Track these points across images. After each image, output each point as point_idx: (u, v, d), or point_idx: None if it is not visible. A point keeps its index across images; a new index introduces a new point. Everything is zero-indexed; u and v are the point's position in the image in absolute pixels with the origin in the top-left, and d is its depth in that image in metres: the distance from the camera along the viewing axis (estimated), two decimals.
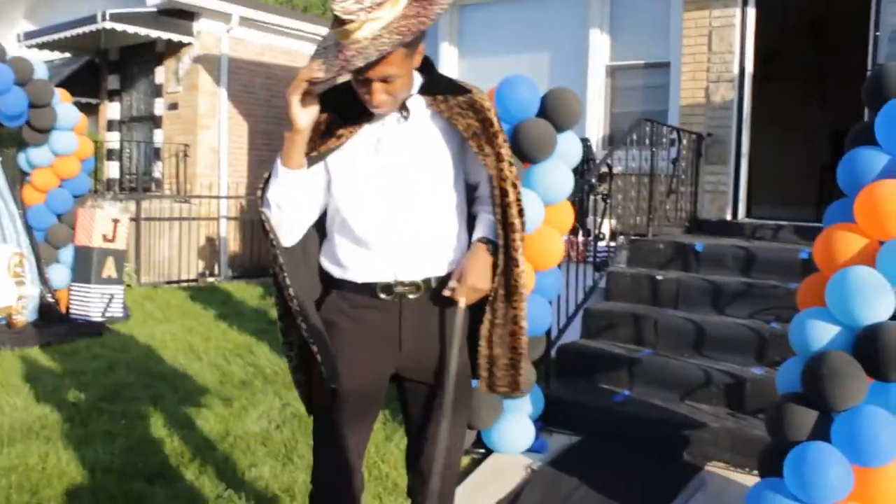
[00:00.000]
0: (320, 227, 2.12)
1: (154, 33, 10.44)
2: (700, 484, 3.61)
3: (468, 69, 8.33)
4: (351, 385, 2.03)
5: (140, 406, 4.64)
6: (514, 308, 2.07)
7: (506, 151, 2.01)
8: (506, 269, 2.02)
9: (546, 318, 3.98)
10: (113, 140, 11.94)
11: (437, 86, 2.03)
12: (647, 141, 5.56)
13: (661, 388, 4.34)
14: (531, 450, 3.97)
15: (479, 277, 1.97)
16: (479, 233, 2.07)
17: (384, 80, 1.86)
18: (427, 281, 2.03)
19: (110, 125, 11.99)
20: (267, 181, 1.99)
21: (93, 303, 7.00)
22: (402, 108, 1.98)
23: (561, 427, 4.22)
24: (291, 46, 11.76)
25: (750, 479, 3.59)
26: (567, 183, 3.95)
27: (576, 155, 4.07)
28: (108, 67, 12.01)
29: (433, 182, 2.03)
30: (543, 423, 4.19)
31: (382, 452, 3.88)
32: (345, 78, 1.87)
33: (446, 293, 1.97)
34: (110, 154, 11.96)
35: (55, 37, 10.90)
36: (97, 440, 4.05)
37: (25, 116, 6.61)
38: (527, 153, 3.82)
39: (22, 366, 5.63)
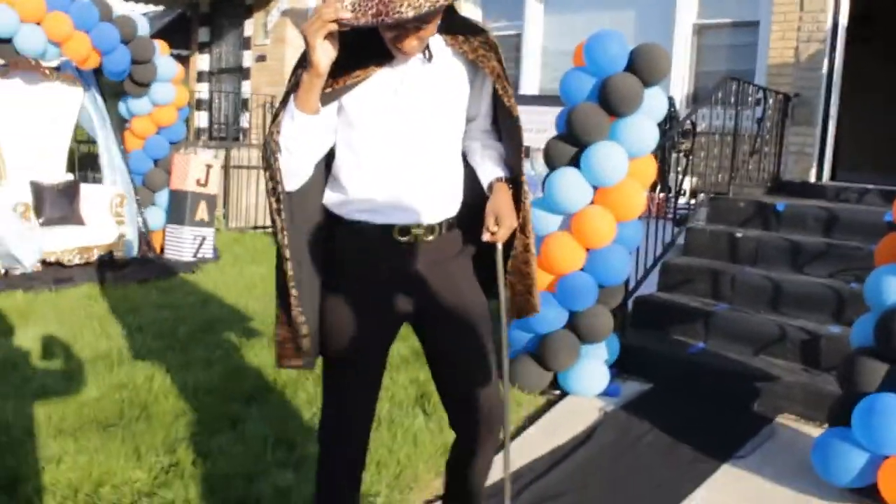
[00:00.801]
0: (323, 166, 2.02)
1: None
2: (770, 433, 3.70)
3: (554, 24, 8.35)
4: (360, 332, 2.00)
5: (234, 337, 4.95)
6: (526, 237, 2.08)
7: (511, 90, 2.02)
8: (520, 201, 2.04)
9: (625, 268, 4.09)
10: (202, 91, 12.35)
11: (454, 24, 1.95)
12: (733, 99, 5.54)
13: (736, 342, 4.41)
14: (605, 394, 4.12)
15: (512, 216, 1.97)
16: (494, 171, 2.05)
17: (416, 29, 1.77)
18: (442, 224, 2.01)
19: (200, 76, 12.39)
20: (273, 123, 1.88)
21: (186, 244, 7.39)
22: (426, 48, 1.90)
23: (635, 375, 4.35)
24: None
25: (820, 432, 3.67)
26: (652, 137, 4.02)
27: (661, 110, 4.13)
28: (198, 20, 12.38)
29: (452, 124, 2.01)
30: (618, 369, 4.33)
31: None
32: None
33: (487, 238, 1.95)
34: (200, 104, 12.38)
35: None
36: (197, 366, 4.36)
37: (128, 72, 6.95)
38: (614, 107, 3.90)
39: (123, 299, 6.02)
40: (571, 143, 4.01)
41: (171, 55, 7.51)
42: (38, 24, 6.08)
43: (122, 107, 7.38)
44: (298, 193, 1.94)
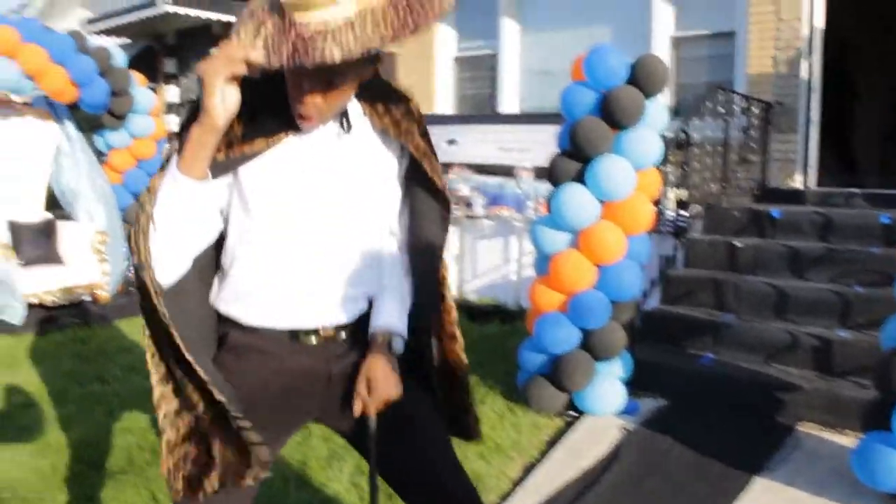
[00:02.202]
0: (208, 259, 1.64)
1: (212, 15, 10.63)
2: (795, 443, 3.67)
3: (531, 44, 8.36)
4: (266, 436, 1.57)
5: None
6: (452, 338, 1.84)
7: (440, 167, 1.70)
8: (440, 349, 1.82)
9: (638, 282, 4.05)
10: (172, 122, 12.17)
11: (373, 89, 1.60)
12: (722, 109, 5.56)
13: (745, 352, 4.39)
14: (623, 412, 4.06)
15: (389, 387, 1.63)
16: (384, 317, 1.70)
17: (328, 84, 1.43)
18: (356, 321, 1.70)
19: (169, 108, 12.22)
20: (147, 192, 1.46)
21: None
22: (343, 117, 1.57)
23: (649, 390, 4.30)
24: None
25: (843, 439, 3.66)
26: (656, 148, 4.00)
27: (662, 121, 4.12)
28: (165, 51, 12.25)
29: (371, 211, 1.67)
30: (633, 386, 4.27)
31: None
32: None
33: (357, 409, 1.64)
34: (169, 136, 12.19)
35: (117, 22, 11.15)
36: None
37: (107, 104, 6.80)
38: (617, 120, 3.88)
39: (112, 339, 5.85)
40: (575, 159, 3.98)
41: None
42: (12, 57, 5.92)
43: (98, 140, 7.22)
44: (172, 289, 1.51)
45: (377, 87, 1.61)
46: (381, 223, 1.72)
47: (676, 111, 7.18)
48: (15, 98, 6.65)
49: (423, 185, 1.69)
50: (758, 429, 3.81)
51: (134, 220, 1.46)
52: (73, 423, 4.01)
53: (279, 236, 1.57)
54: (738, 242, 5.09)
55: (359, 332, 1.70)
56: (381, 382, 1.62)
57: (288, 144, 1.53)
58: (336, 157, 1.58)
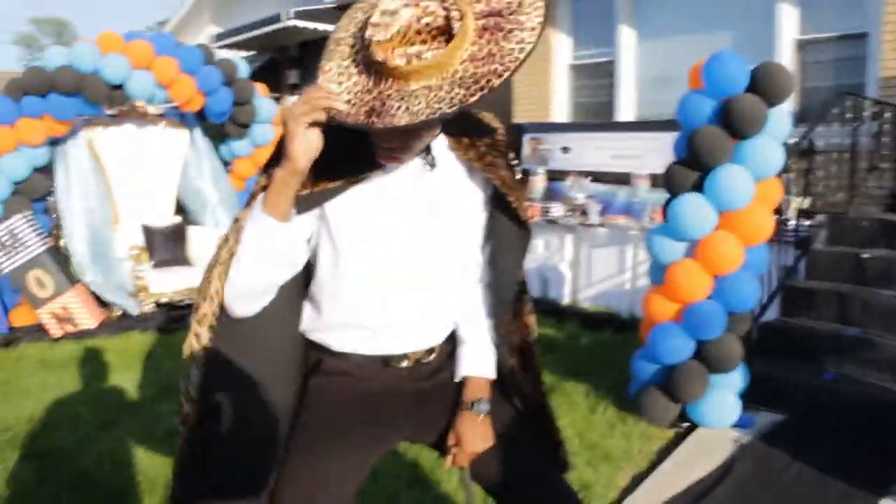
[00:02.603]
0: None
1: (333, 28, 10.96)
2: None
3: (648, 51, 8.26)
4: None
5: None
6: (537, 382, 1.87)
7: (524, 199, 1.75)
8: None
9: (754, 294, 3.94)
10: None
11: (460, 120, 1.58)
12: (850, 115, 5.34)
13: (871, 368, 4.20)
14: (737, 425, 3.96)
15: (477, 442, 1.71)
16: (473, 363, 1.77)
17: (406, 133, 1.44)
18: (443, 343, 1.78)
19: None
20: (232, 230, 1.54)
21: None
22: (427, 152, 1.57)
23: (765, 404, 4.17)
24: None
25: None
26: (777, 158, 3.88)
27: (785, 129, 4.00)
28: (288, 63, 12.72)
29: (457, 244, 1.69)
30: (748, 399, 4.16)
31: (589, 422, 3.99)
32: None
33: (447, 463, 1.74)
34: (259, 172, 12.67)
35: (243, 37, 11.68)
36: None
37: (230, 113, 7.15)
38: (737, 129, 3.79)
39: None
40: (694, 168, 3.91)
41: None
42: (148, 68, 6.33)
43: (223, 149, 7.60)
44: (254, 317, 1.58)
45: (464, 119, 1.62)
46: (467, 255, 1.74)
47: (801, 117, 6.93)
48: (150, 110, 7.10)
49: (506, 214, 1.68)
50: (885, 449, 3.64)
51: (216, 250, 1.53)
52: None
53: (368, 273, 1.61)
54: (865, 253, 4.86)
55: (448, 348, 1.78)
56: (469, 436, 1.71)
57: (372, 180, 1.56)
58: (420, 191, 1.60)
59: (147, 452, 3.70)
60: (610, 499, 3.25)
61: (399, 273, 1.63)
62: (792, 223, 5.42)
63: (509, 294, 1.76)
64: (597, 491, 3.27)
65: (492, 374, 1.78)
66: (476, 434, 1.71)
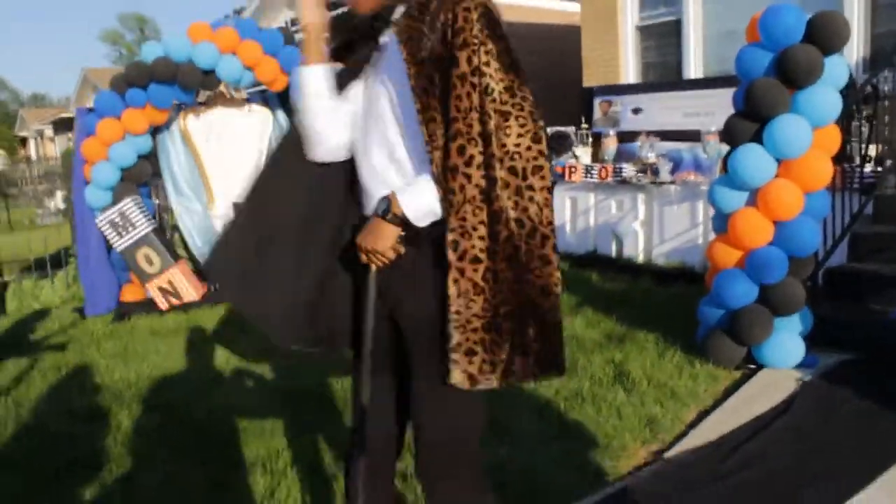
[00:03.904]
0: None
1: None
2: None
3: (714, 6, 8.26)
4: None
5: None
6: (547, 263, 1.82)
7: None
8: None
9: (815, 238, 4.08)
10: None
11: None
12: None
13: None
14: (801, 365, 4.12)
15: (369, 237, 1.85)
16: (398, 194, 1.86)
17: None
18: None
19: None
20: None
21: None
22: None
23: (831, 346, 4.31)
24: (538, 3, 12.12)
25: None
26: (834, 106, 4.00)
27: (842, 78, 4.09)
28: (362, 42, 13.06)
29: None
30: (812, 341, 4.31)
31: (658, 366, 4.23)
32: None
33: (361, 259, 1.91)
34: None
35: None
36: None
37: None
38: (794, 79, 3.92)
39: None
40: (752, 119, 4.06)
41: None
42: (234, 52, 6.76)
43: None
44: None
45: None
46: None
47: (872, 63, 6.87)
48: (235, 94, 7.55)
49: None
50: None
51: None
52: (298, 373, 4.64)
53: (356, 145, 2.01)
54: None
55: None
56: (364, 233, 1.86)
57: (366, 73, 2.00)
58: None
59: (253, 406, 4.12)
60: (676, 432, 3.49)
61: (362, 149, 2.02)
62: (867, 169, 5.46)
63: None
64: (664, 425, 3.52)
65: (407, 210, 1.82)
66: (368, 230, 1.86)
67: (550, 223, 1.82)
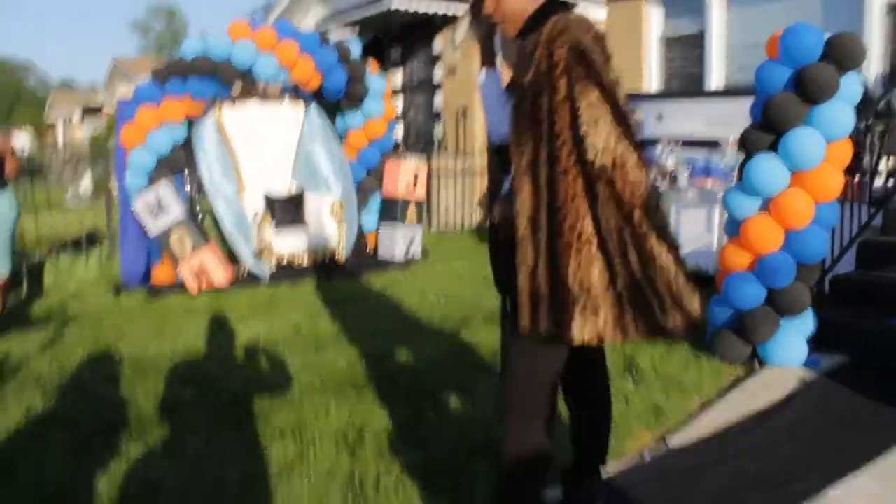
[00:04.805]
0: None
1: (431, 8, 11.49)
2: None
3: (738, 17, 8.45)
4: None
5: (453, 320, 5.56)
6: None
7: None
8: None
9: (823, 246, 4.28)
10: (398, 105, 13.29)
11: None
12: None
13: None
14: (804, 365, 4.32)
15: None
16: None
17: None
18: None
19: (393, 92, 13.32)
20: None
21: (397, 243, 8.16)
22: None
23: (834, 349, 4.49)
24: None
25: None
26: (848, 122, 4.19)
27: (857, 95, 4.28)
28: (391, 41, 13.34)
29: None
30: (816, 344, 4.50)
31: (667, 359, 4.44)
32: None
33: None
34: (396, 117, 13.32)
35: (349, 18, 12.36)
36: (425, 344, 4.99)
37: (345, 90, 7.80)
38: (810, 95, 4.11)
39: (348, 291, 6.83)
40: (768, 131, 4.26)
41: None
42: (272, 52, 7.03)
43: (338, 122, 8.27)
44: None
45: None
46: None
47: (892, 77, 7.05)
48: (270, 89, 7.84)
49: None
50: None
51: None
52: (323, 352, 4.90)
53: None
54: None
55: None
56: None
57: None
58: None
59: (283, 380, 4.38)
60: (678, 419, 3.71)
61: None
62: (878, 183, 5.65)
63: None
64: (667, 412, 3.74)
65: None
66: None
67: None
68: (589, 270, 2.10)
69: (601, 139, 2.09)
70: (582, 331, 2.11)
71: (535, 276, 2.16)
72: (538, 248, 2.17)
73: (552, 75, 2.13)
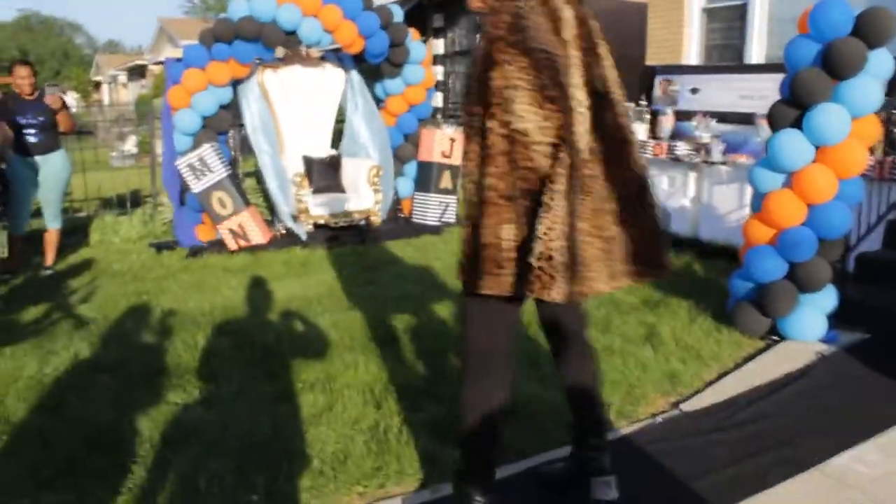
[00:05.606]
0: None
1: None
2: None
3: None
4: None
5: None
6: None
7: None
8: None
9: (845, 222, 4.33)
10: (438, 73, 13.35)
11: None
12: None
13: None
14: (822, 340, 4.41)
15: None
16: None
17: None
18: None
19: (435, 59, 13.38)
20: None
21: (431, 209, 8.31)
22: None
23: (855, 326, 4.56)
24: None
25: None
26: (875, 98, 4.22)
27: (887, 71, 4.30)
28: (433, 8, 13.38)
29: None
30: (837, 320, 4.57)
31: (687, 329, 4.56)
32: None
33: None
34: (436, 85, 13.38)
35: None
36: (454, 305, 5.15)
37: (386, 55, 7.91)
38: (837, 70, 4.16)
39: (382, 255, 7.00)
40: (794, 107, 4.31)
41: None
42: (316, 16, 7.17)
43: (378, 88, 8.40)
44: None
45: None
46: None
47: None
48: (312, 52, 7.98)
49: None
50: None
51: None
52: (354, 311, 5.09)
53: None
54: None
55: None
56: None
57: None
58: None
59: (314, 335, 4.59)
60: (694, 387, 3.83)
61: None
62: None
63: None
64: (683, 380, 3.87)
65: None
66: None
67: None
68: (499, 228, 2.25)
69: (521, 107, 2.19)
70: (484, 286, 2.29)
71: (470, 236, 2.35)
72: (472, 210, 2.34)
73: (493, 45, 2.23)
